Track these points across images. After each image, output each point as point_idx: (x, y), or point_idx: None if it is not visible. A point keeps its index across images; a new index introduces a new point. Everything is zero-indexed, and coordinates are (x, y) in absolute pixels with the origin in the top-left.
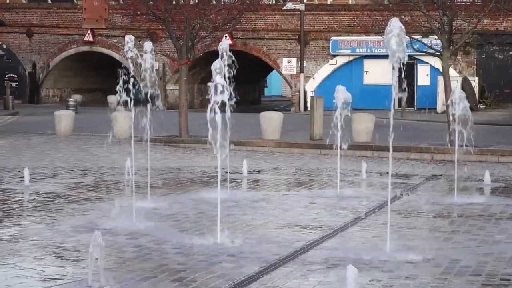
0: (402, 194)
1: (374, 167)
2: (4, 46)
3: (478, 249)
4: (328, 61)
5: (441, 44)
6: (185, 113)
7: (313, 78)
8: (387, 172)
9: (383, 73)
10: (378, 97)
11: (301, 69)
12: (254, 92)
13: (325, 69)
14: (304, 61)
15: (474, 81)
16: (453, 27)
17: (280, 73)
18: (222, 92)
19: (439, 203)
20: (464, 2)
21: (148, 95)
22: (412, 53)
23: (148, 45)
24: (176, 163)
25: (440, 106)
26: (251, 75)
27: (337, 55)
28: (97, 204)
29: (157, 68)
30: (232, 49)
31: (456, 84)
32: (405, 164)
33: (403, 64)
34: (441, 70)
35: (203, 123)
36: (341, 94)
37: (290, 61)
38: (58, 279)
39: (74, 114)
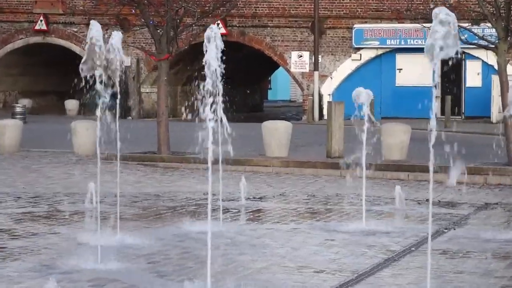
0: (446, 229)
1: (410, 192)
2: None
3: None
4: (350, 56)
5: (496, 34)
6: (165, 123)
7: (331, 78)
8: (427, 200)
9: (421, 71)
10: (415, 102)
11: (315, 66)
12: (255, 95)
13: (347, 66)
14: (319, 56)
15: None
16: None
17: (288, 71)
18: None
19: (494, 240)
20: None
21: (117, 101)
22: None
23: (116, 36)
24: (153, 188)
25: (495, 114)
26: (250, 74)
27: (362, 48)
28: (51, 241)
29: (128, 64)
30: (225, 40)
31: None
32: (451, 189)
33: (450, 60)
34: (496, 67)
35: (188, 134)
36: (364, 96)
37: (301, 56)
38: None
39: (21, 124)
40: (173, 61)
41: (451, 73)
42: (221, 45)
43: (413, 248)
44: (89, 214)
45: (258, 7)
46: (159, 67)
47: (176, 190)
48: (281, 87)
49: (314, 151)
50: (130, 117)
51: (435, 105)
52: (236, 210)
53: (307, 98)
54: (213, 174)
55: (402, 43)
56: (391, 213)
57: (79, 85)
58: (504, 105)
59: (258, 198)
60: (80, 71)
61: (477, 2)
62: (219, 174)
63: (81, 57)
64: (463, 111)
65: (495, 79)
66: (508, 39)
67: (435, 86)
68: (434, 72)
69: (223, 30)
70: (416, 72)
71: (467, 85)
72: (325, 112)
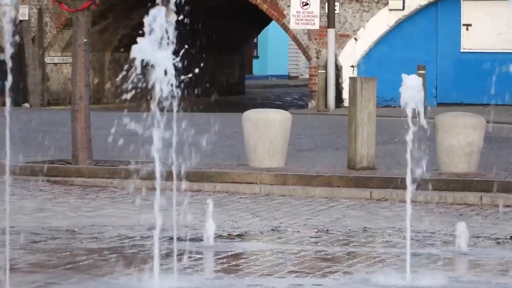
0: None
1: (485, 225)
2: None
3: None
4: (386, 4)
5: None
6: (85, 114)
7: (356, 40)
8: (510, 237)
9: (505, 28)
10: (492, 79)
11: (330, 21)
12: (232, 68)
13: (381, 21)
14: (337, 4)
15: None
16: None
17: (287, 29)
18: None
19: None
20: None
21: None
22: None
23: None
24: (65, 219)
25: None
26: (225, 35)
27: None
28: None
29: (25, 18)
30: None
31: None
32: None
33: None
34: None
35: (124, 133)
36: (411, 92)
37: (306, 4)
38: None
39: None
40: (97, 13)
41: None
42: None
43: None
44: None
45: None
46: (75, 22)
47: (102, 223)
48: (274, 55)
49: (327, 159)
50: (27, 105)
51: None
52: (200, 256)
53: (316, 73)
54: (163, 197)
55: None
56: (452, 260)
57: None
58: None
59: (237, 235)
60: None
61: None
62: (173, 196)
63: None
64: None
65: None
66: None
67: None
68: None
69: None
70: (494, 29)
71: None
72: (345, 95)
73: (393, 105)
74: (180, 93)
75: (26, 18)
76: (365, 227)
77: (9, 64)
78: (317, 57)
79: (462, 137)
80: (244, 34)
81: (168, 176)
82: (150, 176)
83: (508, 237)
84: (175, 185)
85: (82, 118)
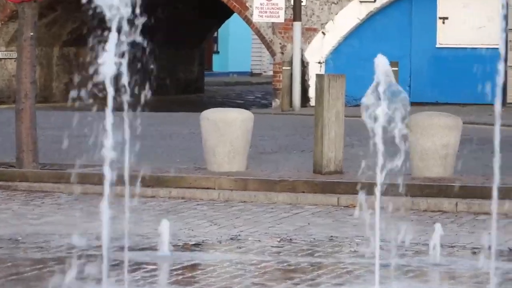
0: None
1: (461, 234)
2: None
3: None
4: None
5: None
6: (30, 114)
7: (323, 34)
8: (489, 247)
9: (483, 21)
10: (470, 76)
11: (296, 14)
12: (190, 65)
13: (351, 14)
14: None
15: None
16: None
17: (249, 23)
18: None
19: None
20: None
21: None
22: None
23: None
24: (8, 227)
25: None
26: (182, 28)
27: None
28: None
29: None
30: None
31: None
32: None
33: None
34: None
35: (72, 134)
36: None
37: None
38: None
39: None
40: (46, 4)
41: None
42: None
43: None
44: None
45: None
46: (20, 14)
47: (48, 231)
48: (235, 50)
49: (292, 162)
50: None
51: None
52: (153, 267)
53: (280, 70)
54: (113, 204)
55: None
56: (424, 271)
57: None
58: None
59: (194, 244)
60: None
61: None
62: (125, 203)
63: None
64: None
65: None
66: None
67: (506, 46)
68: (503, 9)
69: None
70: (473, 22)
71: None
72: (312, 93)
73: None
74: (133, 91)
75: None
76: (332, 236)
77: None
78: (282, 53)
79: (437, 139)
80: (204, 28)
81: (119, 181)
82: (100, 180)
83: (485, 247)
84: (127, 191)
85: (27, 117)
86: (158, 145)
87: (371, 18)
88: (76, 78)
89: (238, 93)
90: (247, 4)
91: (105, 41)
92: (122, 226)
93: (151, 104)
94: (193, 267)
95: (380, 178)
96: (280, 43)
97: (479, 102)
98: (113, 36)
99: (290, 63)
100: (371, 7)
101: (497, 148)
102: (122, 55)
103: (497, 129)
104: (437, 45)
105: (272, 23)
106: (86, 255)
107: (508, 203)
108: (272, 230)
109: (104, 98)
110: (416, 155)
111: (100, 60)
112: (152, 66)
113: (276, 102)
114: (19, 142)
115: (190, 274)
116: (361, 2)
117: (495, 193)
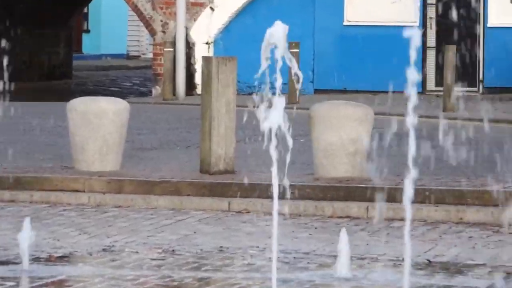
0: None
1: (372, 243)
2: None
3: None
4: None
5: None
6: None
7: (212, 9)
8: (402, 259)
9: None
10: (382, 59)
11: None
12: (56, 47)
13: None
14: None
15: None
16: None
17: None
18: None
19: None
20: None
21: None
22: None
23: None
24: None
25: None
26: (46, 6)
27: None
28: None
29: None
30: None
31: None
32: (453, 235)
33: None
34: None
35: None
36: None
37: None
38: None
39: None
40: None
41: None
42: None
43: None
44: None
45: None
46: None
47: None
48: (109, 29)
49: (175, 161)
50: None
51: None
52: (12, 283)
53: (162, 51)
54: None
55: None
56: (330, 287)
57: None
58: None
59: (59, 257)
60: None
61: None
62: None
63: None
64: (481, 78)
65: None
66: None
67: (424, 25)
68: None
69: None
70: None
71: (490, 24)
72: (199, 79)
73: (257, 92)
74: None
75: None
76: (222, 247)
77: None
78: (163, 32)
79: (345, 133)
80: (71, 3)
81: None
82: None
83: (400, 258)
84: None
85: None
86: (18, 141)
87: None
88: None
89: (112, 79)
90: None
91: None
92: None
93: (8, 92)
94: (59, 283)
95: (276, 178)
96: (161, 21)
97: (394, 89)
98: None
99: (173, 44)
100: None
101: (413, 143)
102: None
103: (413, 120)
104: (345, 23)
105: None
106: None
107: (426, 207)
108: (152, 240)
109: None
110: (319, 151)
111: None
112: (8, 47)
113: (156, 90)
114: None
115: None
116: None
117: (407, 196)
